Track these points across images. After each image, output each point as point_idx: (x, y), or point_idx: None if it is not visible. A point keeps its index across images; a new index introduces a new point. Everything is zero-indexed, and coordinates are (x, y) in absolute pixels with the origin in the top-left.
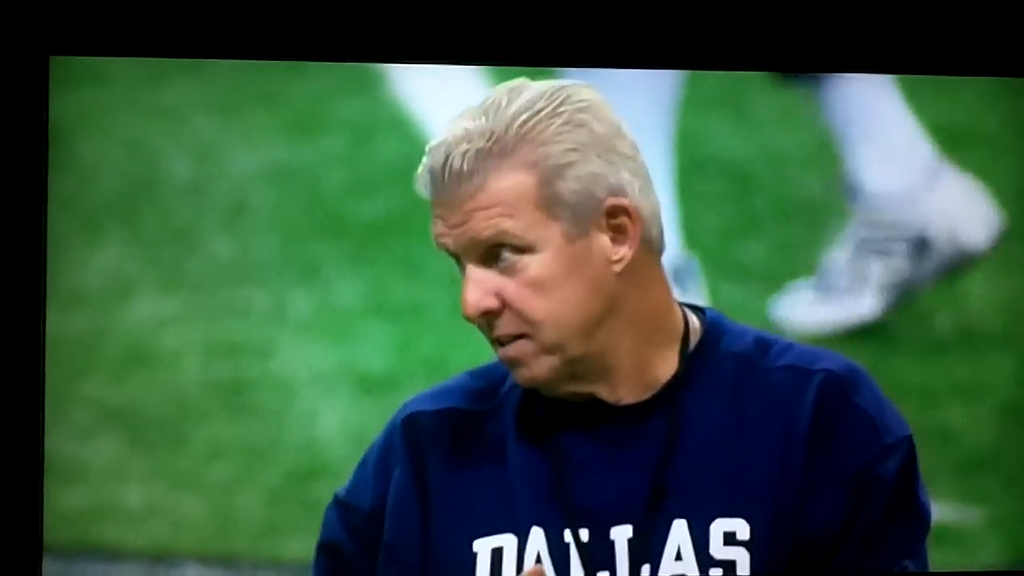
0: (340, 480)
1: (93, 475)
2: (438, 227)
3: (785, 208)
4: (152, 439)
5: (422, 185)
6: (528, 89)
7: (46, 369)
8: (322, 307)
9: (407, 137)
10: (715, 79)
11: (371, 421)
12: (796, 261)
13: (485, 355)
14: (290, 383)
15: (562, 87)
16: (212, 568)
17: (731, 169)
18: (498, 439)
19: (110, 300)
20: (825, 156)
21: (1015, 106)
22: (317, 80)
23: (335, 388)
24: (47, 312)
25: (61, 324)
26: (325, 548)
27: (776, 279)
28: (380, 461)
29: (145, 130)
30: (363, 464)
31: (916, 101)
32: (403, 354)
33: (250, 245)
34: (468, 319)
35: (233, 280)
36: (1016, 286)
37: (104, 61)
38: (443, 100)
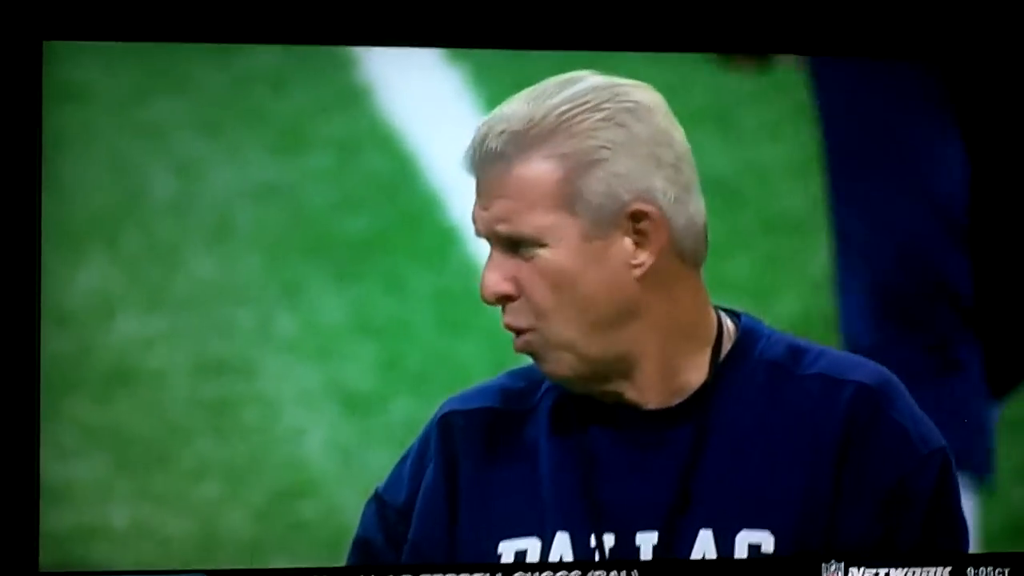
0: (325, 498)
1: (79, 496)
2: (474, 207)
3: (772, 222)
4: (137, 459)
5: (463, 161)
6: (582, 81)
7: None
8: (307, 325)
9: (392, 153)
10: (701, 93)
11: (356, 439)
12: (783, 276)
13: (470, 371)
14: (275, 401)
15: (618, 85)
16: None
17: (717, 184)
18: (531, 441)
19: (94, 319)
20: (811, 169)
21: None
22: (301, 97)
23: (320, 406)
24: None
25: (45, 344)
26: (358, 542)
27: (763, 294)
28: (416, 459)
29: (128, 148)
30: (402, 460)
31: None
32: (388, 372)
33: (234, 263)
34: (485, 302)
35: (217, 299)
36: None
37: (86, 78)
38: (429, 115)
